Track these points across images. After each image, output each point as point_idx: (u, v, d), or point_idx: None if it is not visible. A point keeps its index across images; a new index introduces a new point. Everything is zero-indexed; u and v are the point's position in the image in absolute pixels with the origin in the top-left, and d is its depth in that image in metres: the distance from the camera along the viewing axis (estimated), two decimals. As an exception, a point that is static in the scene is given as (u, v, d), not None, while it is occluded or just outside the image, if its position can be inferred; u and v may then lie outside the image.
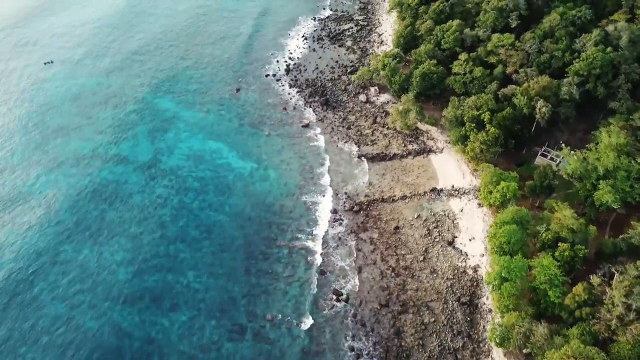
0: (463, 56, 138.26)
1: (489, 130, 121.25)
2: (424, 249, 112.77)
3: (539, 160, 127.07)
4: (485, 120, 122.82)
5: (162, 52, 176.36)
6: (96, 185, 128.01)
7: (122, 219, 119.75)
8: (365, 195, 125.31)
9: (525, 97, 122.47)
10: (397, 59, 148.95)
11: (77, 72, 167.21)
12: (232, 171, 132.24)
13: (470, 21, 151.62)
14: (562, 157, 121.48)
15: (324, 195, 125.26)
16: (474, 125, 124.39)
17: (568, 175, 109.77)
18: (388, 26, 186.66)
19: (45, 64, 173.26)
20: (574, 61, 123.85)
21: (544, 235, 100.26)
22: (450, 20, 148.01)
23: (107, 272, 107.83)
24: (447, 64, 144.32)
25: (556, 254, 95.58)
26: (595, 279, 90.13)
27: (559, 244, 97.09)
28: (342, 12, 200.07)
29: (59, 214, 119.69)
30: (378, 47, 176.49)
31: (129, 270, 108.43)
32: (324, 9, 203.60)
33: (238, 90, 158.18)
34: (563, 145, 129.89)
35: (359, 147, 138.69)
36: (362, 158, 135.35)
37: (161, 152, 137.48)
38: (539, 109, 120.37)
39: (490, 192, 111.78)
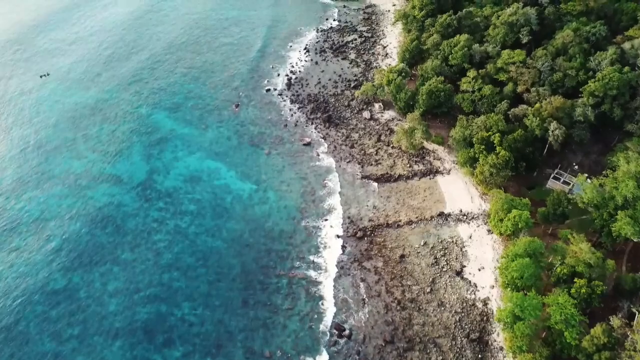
0: (472, 73, 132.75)
1: (499, 152, 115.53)
2: (431, 279, 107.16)
3: (551, 184, 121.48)
4: (495, 142, 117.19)
5: (160, 65, 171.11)
6: (88, 207, 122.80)
7: (114, 244, 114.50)
8: (370, 220, 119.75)
9: (538, 119, 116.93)
10: (403, 75, 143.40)
11: (73, 86, 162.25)
12: (230, 193, 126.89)
13: (478, 35, 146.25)
14: (576, 182, 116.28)
15: (326, 220, 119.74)
16: (483, 147, 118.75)
17: (584, 204, 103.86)
18: (393, 38, 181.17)
19: (41, 76, 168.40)
20: (588, 81, 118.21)
21: (558, 269, 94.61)
22: (458, 35, 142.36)
23: (98, 304, 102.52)
24: (455, 81, 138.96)
25: (572, 290, 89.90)
26: (615, 321, 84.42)
27: (575, 279, 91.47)
28: (346, 22, 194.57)
29: (48, 240, 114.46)
30: (382, 60, 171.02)
31: (121, 301, 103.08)
32: (327, 19, 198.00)
33: (237, 105, 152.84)
34: (576, 167, 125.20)
35: (362, 167, 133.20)
36: (366, 179, 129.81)
37: (157, 172, 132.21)
38: (552, 132, 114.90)
39: (501, 220, 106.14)
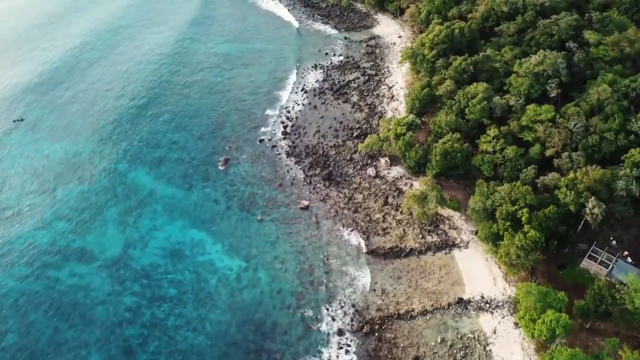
0: (492, 131, 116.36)
1: (527, 232, 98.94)
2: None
3: (586, 264, 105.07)
4: (523, 219, 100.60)
5: (141, 110, 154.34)
6: (51, 292, 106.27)
7: (79, 341, 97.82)
8: (378, 309, 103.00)
9: (572, 193, 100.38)
10: (413, 128, 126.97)
11: (44, 136, 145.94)
12: (215, 273, 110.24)
13: (497, 82, 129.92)
14: (616, 262, 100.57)
15: (326, 309, 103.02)
16: (508, 223, 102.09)
17: (634, 308, 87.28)
18: (399, 76, 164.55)
19: (14, 121, 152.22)
20: (630, 149, 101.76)
21: (609, 395, 78.08)
22: (475, 84, 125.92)
23: None
24: (473, 138, 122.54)
25: None
26: None
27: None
28: (347, 57, 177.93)
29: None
30: (388, 104, 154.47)
31: None
32: (327, 53, 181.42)
33: (227, 160, 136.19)
34: (614, 242, 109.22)
35: (368, 238, 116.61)
36: (373, 254, 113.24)
37: (133, 245, 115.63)
38: (590, 210, 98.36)
39: (533, 321, 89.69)
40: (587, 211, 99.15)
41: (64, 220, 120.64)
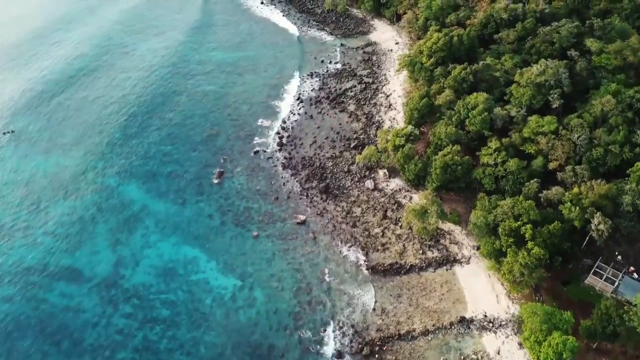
0: (494, 143, 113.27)
1: (531, 249, 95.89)
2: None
3: (592, 280, 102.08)
4: (526, 236, 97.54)
5: (132, 120, 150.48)
6: (40, 314, 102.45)
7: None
8: (378, 330, 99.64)
9: (577, 208, 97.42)
10: (412, 139, 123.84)
11: (34, 149, 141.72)
12: (210, 292, 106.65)
13: (497, 91, 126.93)
14: (622, 278, 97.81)
15: (324, 330, 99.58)
16: (511, 240, 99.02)
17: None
18: (397, 84, 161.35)
19: (4, 133, 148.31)
20: (637, 163, 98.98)
21: None
22: (475, 94, 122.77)
23: None
24: (473, 149, 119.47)
25: None
26: None
27: None
28: (344, 65, 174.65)
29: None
30: (386, 113, 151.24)
31: None
32: (322, 60, 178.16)
33: (221, 173, 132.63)
34: (620, 257, 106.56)
35: (367, 254, 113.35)
36: (372, 271, 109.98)
37: (124, 264, 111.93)
38: (596, 226, 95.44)
39: (539, 343, 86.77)
40: (593, 227, 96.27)
41: (54, 237, 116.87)
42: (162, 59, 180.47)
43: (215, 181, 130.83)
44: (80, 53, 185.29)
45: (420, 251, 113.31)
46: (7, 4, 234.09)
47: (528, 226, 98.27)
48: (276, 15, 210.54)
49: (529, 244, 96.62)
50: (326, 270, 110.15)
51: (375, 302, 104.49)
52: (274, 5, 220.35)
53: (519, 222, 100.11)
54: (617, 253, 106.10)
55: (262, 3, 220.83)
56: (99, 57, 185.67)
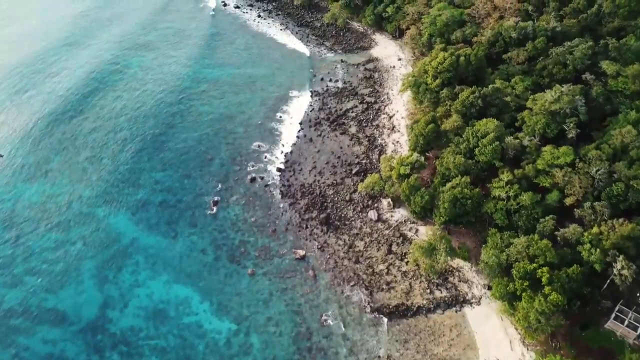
0: (505, 175, 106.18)
1: (548, 294, 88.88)
2: None
3: (612, 325, 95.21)
4: (543, 280, 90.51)
5: (122, 144, 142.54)
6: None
7: None
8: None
9: (598, 250, 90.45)
10: (417, 167, 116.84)
11: (18, 176, 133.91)
12: (203, 337, 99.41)
13: (508, 116, 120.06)
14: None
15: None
16: (527, 283, 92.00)
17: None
18: (400, 104, 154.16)
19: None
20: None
21: None
22: (485, 120, 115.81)
23: None
24: (483, 180, 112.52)
25: None
26: None
27: None
28: (344, 83, 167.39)
29: None
30: (389, 136, 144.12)
31: None
32: (322, 78, 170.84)
33: (215, 203, 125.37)
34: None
35: (371, 293, 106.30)
36: (377, 313, 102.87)
37: (112, 305, 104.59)
38: (619, 271, 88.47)
39: (560, 402, 79.76)
40: (615, 272, 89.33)
41: (37, 276, 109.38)
42: (154, 77, 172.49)
43: (209, 212, 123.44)
44: (74, 77, 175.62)
45: (428, 290, 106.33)
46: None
47: (545, 269, 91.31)
48: (274, 30, 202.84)
49: (546, 289, 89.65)
50: (328, 313, 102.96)
51: (380, 348, 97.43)
52: (272, 18, 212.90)
53: (534, 264, 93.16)
54: (638, 295, 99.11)
55: (259, 16, 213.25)
56: (90, 77, 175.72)
